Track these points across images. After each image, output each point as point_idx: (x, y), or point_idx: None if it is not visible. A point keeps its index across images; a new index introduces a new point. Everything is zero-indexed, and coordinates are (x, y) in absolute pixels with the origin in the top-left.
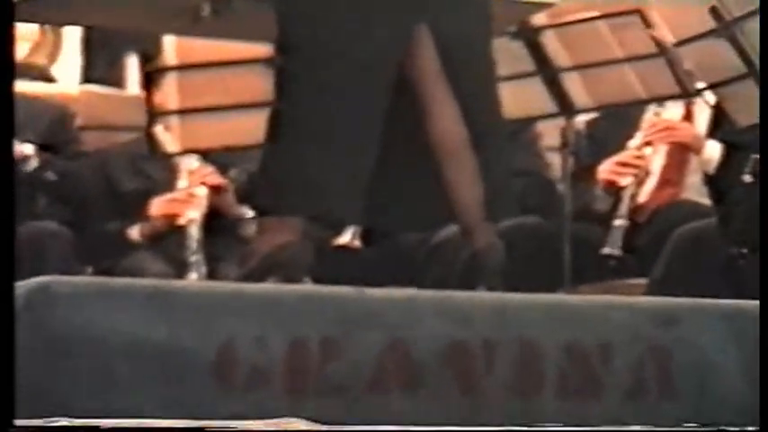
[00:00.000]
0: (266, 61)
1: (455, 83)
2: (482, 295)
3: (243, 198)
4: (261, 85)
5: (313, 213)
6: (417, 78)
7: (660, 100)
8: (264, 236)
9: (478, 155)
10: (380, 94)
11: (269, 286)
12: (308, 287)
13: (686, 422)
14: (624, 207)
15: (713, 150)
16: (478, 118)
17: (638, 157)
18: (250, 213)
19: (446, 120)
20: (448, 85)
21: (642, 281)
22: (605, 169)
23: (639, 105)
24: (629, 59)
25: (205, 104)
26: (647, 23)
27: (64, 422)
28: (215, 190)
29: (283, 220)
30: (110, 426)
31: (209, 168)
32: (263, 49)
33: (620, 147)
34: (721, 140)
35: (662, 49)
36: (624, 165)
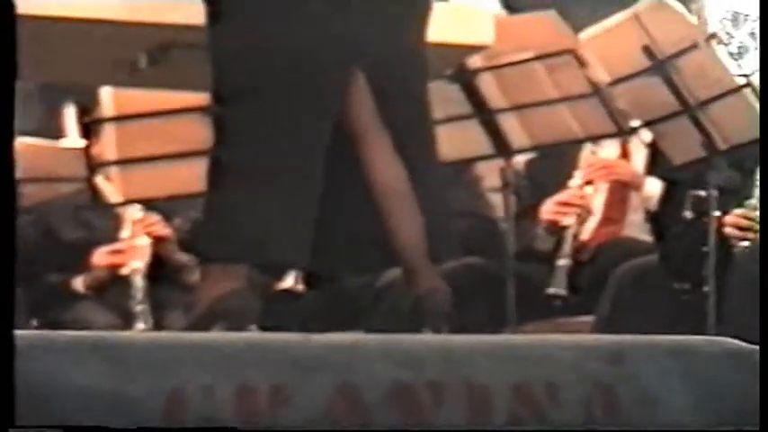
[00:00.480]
0: (204, 110)
1: (391, 127)
2: (428, 338)
3: (187, 246)
4: (200, 132)
5: (256, 260)
6: (354, 123)
7: (596, 138)
8: (208, 284)
9: (417, 197)
10: (319, 139)
11: (215, 334)
12: (254, 334)
13: None
14: (567, 246)
15: (653, 187)
16: (416, 161)
17: (580, 197)
18: (194, 261)
19: (384, 163)
20: (384, 129)
21: (588, 318)
22: (547, 209)
23: (576, 144)
24: (564, 99)
25: (145, 154)
26: (582, 63)
27: None
28: (158, 239)
29: (227, 267)
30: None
31: (153, 217)
32: (200, 98)
33: (560, 186)
34: (661, 177)
35: (596, 89)
36: (566, 204)
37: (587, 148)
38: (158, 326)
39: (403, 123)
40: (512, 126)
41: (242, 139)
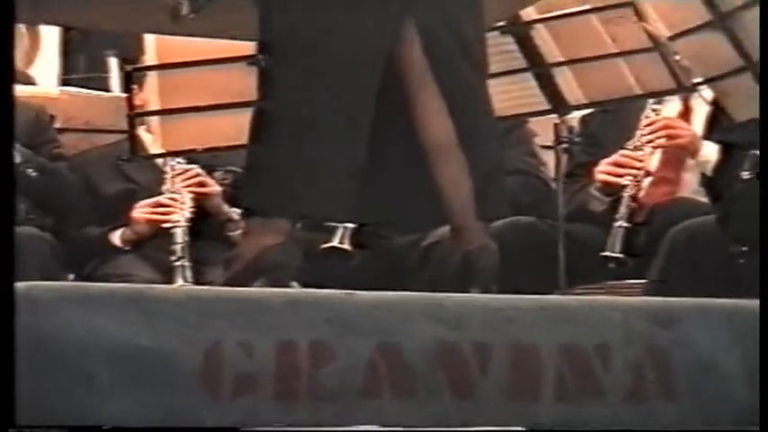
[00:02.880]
0: (248, 59)
1: (443, 79)
2: (475, 298)
3: (231, 200)
4: (244, 83)
5: (301, 214)
6: (404, 74)
7: (655, 95)
8: (250, 238)
9: (468, 153)
10: (368, 90)
11: (255, 290)
12: (295, 291)
13: (685, 423)
14: (623, 208)
15: (710, 152)
16: (467, 116)
17: (637, 159)
18: (238, 215)
19: (434, 117)
20: (435, 82)
21: (640, 281)
22: (602, 170)
23: (634, 101)
24: (622, 53)
25: (188, 104)
26: (640, 16)
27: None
28: (201, 192)
29: (270, 221)
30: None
31: (195, 170)
32: (245, 47)
33: (617, 144)
34: (718, 141)
35: (656, 43)
36: (622, 166)
37: (648, 106)
38: (199, 281)
39: (454, 75)
40: (567, 81)
41: (289, 90)
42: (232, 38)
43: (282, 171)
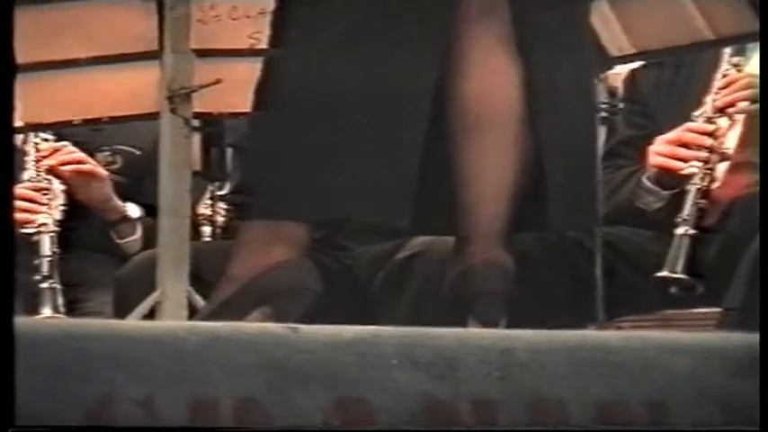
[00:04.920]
0: None
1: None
2: (474, 333)
3: (123, 192)
4: (142, 24)
5: (327, 216)
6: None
7: (736, 41)
8: (248, 251)
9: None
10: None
11: (154, 325)
12: (217, 326)
13: None
14: (689, 208)
15: None
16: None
17: (709, 134)
18: (136, 212)
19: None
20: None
21: (713, 311)
22: (659, 150)
23: (704, 51)
24: None
25: (57, 56)
26: None
27: None
28: (80, 178)
29: (278, 226)
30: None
31: (69, 148)
32: None
33: (679, 114)
34: None
35: None
36: (687, 145)
37: (725, 59)
38: (76, 312)
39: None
40: (606, 21)
41: (315, 35)
42: None
43: (299, 153)
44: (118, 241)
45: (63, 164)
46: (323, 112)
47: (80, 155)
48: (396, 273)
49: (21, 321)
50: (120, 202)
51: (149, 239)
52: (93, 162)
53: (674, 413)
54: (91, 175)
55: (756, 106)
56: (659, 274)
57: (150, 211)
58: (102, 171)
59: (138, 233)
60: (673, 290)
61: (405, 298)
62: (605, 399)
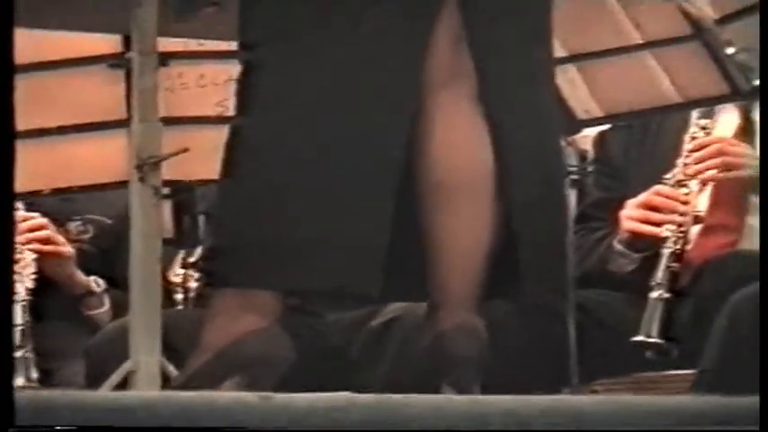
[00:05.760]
0: (112, 59)
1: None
2: (447, 401)
3: (93, 263)
4: (108, 94)
5: (298, 286)
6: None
7: (702, 105)
8: (221, 320)
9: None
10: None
11: (107, 395)
12: (179, 395)
13: None
14: (662, 271)
15: None
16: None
17: (679, 197)
18: (100, 285)
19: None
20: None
21: (687, 372)
22: (630, 214)
23: (672, 114)
24: (650, 45)
25: (28, 125)
26: None
27: None
28: (48, 253)
29: (250, 295)
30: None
31: (39, 220)
32: (108, 43)
33: (649, 177)
34: None
35: (699, 29)
36: (658, 209)
37: (693, 122)
38: (46, 381)
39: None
40: (574, 85)
41: (282, 100)
42: (93, 29)
43: (268, 221)
44: (87, 313)
45: (31, 241)
46: (291, 178)
47: (45, 232)
48: (373, 339)
49: None
50: (83, 277)
51: (120, 309)
52: (58, 238)
53: None
54: (55, 254)
55: (728, 174)
56: (635, 338)
57: (121, 281)
58: (66, 250)
59: (107, 305)
60: (648, 354)
61: (382, 364)
62: None
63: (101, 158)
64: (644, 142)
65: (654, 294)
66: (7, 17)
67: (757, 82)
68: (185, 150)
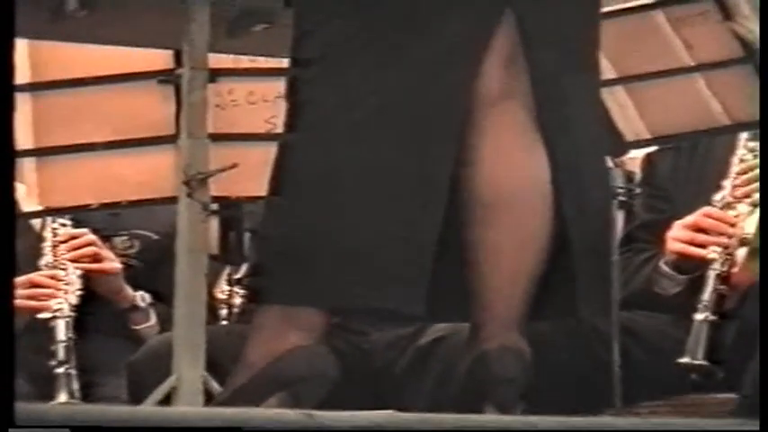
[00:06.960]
0: (161, 75)
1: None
2: (491, 420)
3: (138, 278)
4: (157, 110)
5: (343, 304)
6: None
7: (751, 127)
8: (263, 337)
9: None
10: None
11: (158, 411)
12: (218, 411)
13: None
14: (709, 294)
15: None
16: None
17: (727, 220)
18: (146, 300)
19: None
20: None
21: (730, 396)
22: (677, 236)
23: (720, 136)
24: (701, 67)
25: (75, 140)
26: (727, 13)
27: None
28: (93, 269)
29: (294, 312)
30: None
31: (87, 236)
32: (158, 58)
33: (697, 199)
34: None
35: (750, 52)
36: (706, 230)
37: (742, 144)
38: (89, 396)
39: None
40: (623, 107)
41: (331, 118)
42: (147, 45)
43: (314, 238)
44: (133, 327)
45: (78, 258)
46: (338, 196)
47: (93, 248)
48: (419, 358)
49: (37, 408)
50: (130, 291)
51: (167, 324)
52: (108, 254)
53: None
54: (101, 268)
55: None
56: (680, 360)
57: (166, 296)
58: (114, 266)
59: (153, 320)
60: (693, 376)
61: (427, 383)
62: None
63: (149, 174)
64: (692, 164)
65: (699, 316)
66: (7, 33)
67: None
68: (234, 166)
